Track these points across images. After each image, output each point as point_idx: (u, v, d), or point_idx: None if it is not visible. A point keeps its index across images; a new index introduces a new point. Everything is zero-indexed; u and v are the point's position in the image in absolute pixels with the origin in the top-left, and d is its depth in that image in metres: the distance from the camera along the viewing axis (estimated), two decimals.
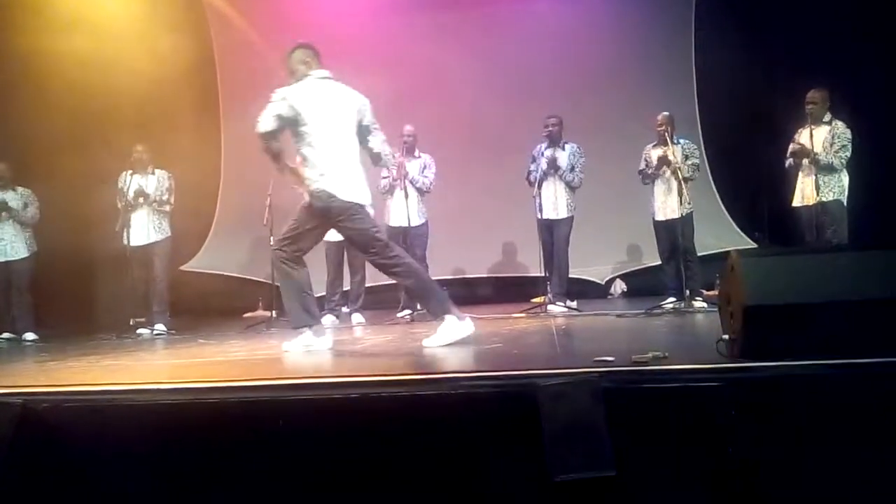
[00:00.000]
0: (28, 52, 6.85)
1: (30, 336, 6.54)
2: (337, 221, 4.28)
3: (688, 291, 6.27)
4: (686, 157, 6.40)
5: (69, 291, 7.74)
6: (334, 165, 4.19)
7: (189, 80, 8.03)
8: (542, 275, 6.76)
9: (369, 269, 7.02)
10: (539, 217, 6.66)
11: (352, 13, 8.33)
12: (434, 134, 7.27)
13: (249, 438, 2.83)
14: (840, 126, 5.82)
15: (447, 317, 4.14)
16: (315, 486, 2.79)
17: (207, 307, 8.29)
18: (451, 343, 4.06)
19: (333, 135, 4.23)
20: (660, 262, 6.87)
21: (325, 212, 4.20)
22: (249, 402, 2.94)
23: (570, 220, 6.73)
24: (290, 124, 4.15)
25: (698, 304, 6.12)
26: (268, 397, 2.95)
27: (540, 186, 6.62)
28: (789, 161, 6.03)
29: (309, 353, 4.30)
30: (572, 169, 6.66)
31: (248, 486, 2.80)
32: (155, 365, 4.43)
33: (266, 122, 4.08)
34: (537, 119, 6.85)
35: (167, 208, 6.64)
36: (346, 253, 6.75)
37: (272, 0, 8.56)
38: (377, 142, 4.46)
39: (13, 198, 6.71)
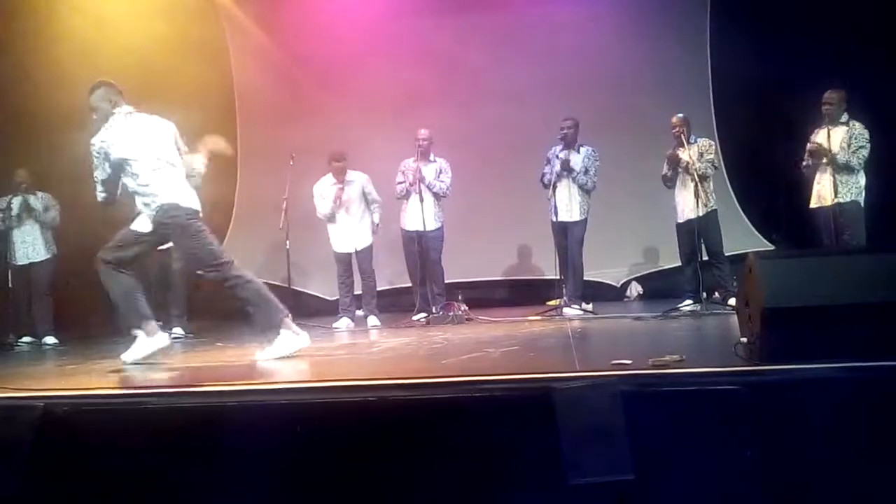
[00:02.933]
0: (50, 66, 6.92)
1: (50, 339, 6.61)
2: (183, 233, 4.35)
3: (716, 293, 6.23)
4: (701, 155, 6.36)
5: (88, 295, 7.78)
6: (168, 183, 4.30)
7: (206, 89, 8.09)
8: (558, 277, 6.74)
9: (381, 273, 7.06)
10: (553, 219, 6.65)
11: (368, 19, 8.35)
12: (449, 137, 7.27)
13: (268, 440, 2.85)
14: (858, 126, 5.77)
15: (281, 331, 4.23)
16: (333, 487, 2.80)
17: (225, 310, 8.32)
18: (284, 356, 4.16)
19: (157, 161, 4.32)
20: (675, 265, 6.84)
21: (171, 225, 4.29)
22: (268, 404, 2.96)
23: (583, 222, 6.71)
24: (117, 167, 4.26)
25: (733, 301, 6.00)
26: (286, 400, 2.96)
27: (555, 189, 6.60)
28: (806, 162, 5.99)
29: (324, 356, 4.32)
30: (586, 171, 6.64)
31: (267, 488, 2.81)
32: (174, 368, 4.46)
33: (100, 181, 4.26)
34: (553, 122, 6.83)
35: None
36: (355, 255, 6.77)
37: (288, 9, 8.58)
38: (197, 161, 4.69)
39: (34, 202, 6.80)
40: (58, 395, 3.20)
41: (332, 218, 6.67)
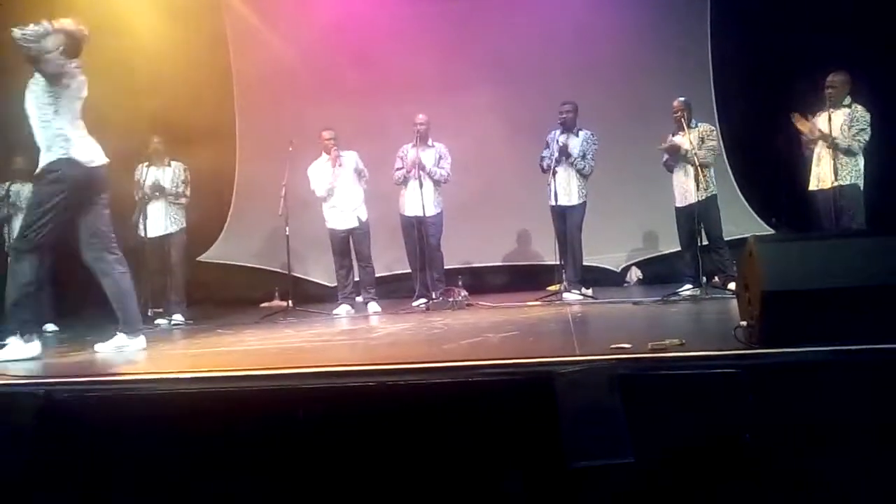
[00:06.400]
0: None
1: (50, 327, 6.61)
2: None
3: (716, 278, 6.23)
4: (702, 141, 6.34)
5: (88, 282, 7.78)
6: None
7: (204, 72, 8.06)
8: (557, 263, 6.75)
9: (380, 259, 7.06)
10: (552, 204, 6.64)
11: (366, 4, 8.31)
12: (448, 122, 7.25)
13: (268, 426, 2.86)
14: (859, 109, 5.75)
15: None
16: (333, 472, 2.81)
17: (224, 297, 8.35)
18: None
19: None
20: (675, 250, 6.84)
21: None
22: (267, 390, 2.96)
23: (582, 206, 6.70)
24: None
25: (733, 286, 6.00)
26: (286, 386, 2.97)
27: (554, 173, 6.59)
28: (806, 141, 5.98)
29: (324, 342, 4.32)
30: (584, 156, 6.63)
31: (268, 474, 2.82)
32: (174, 354, 4.47)
33: None
34: (552, 106, 6.82)
35: (183, 201, 6.71)
36: (351, 241, 6.77)
37: None
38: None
39: (30, 191, 6.76)
40: (59, 381, 3.21)
41: (331, 192, 6.66)
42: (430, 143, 6.81)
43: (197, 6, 7.99)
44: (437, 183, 6.77)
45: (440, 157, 6.79)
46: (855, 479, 2.59)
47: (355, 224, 6.69)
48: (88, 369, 3.67)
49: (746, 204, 8.04)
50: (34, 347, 4.15)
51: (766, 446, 2.60)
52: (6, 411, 2.92)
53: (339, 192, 6.67)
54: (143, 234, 6.59)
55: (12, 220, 6.74)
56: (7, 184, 6.78)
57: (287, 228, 6.62)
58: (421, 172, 6.62)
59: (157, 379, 3.17)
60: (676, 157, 6.43)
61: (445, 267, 7.02)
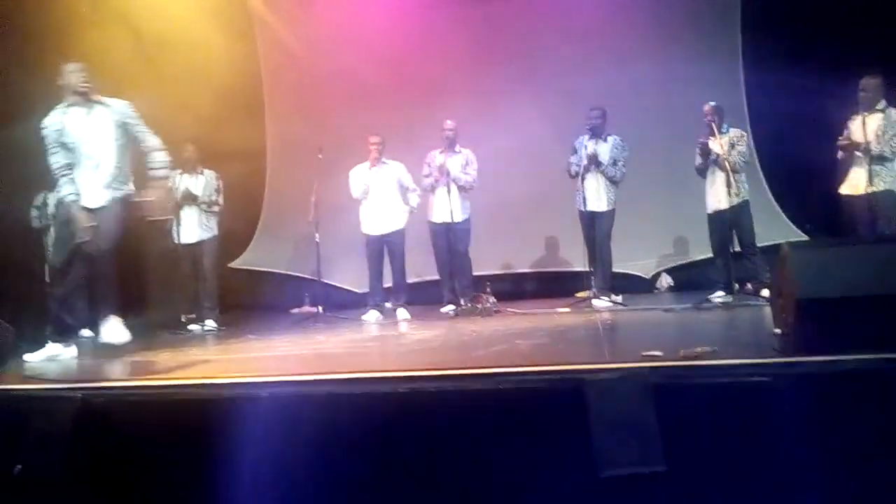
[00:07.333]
0: (85, 58, 7.02)
1: (86, 333, 6.72)
2: None
3: (748, 285, 6.15)
4: (732, 146, 6.27)
5: (122, 288, 7.90)
6: None
7: (234, 80, 8.15)
8: (587, 269, 6.70)
9: (409, 266, 7.07)
10: (582, 209, 6.61)
11: (394, 12, 8.36)
12: (475, 128, 7.25)
13: (300, 431, 2.88)
14: (894, 114, 5.64)
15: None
16: (365, 477, 2.82)
17: (256, 303, 8.43)
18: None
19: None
20: (707, 256, 6.77)
21: None
22: (300, 395, 2.99)
23: (611, 212, 6.66)
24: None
25: (766, 293, 5.88)
26: (318, 391, 3.00)
27: (583, 179, 6.56)
28: (841, 153, 5.89)
29: (354, 348, 4.35)
30: (614, 163, 6.59)
31: (299, 477, 2.85)
32: (207, 360, 4.52)
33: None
34: (580, 111, 6.79)
35: (216, 209, 6.77)
36: (385, 248, 6.80)
37: (315, 4, 8.62)
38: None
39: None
40: (95, 386, 3.27)
41: (365, 193, 6.70)
42: (457, 148, 6.82)
43: (229, 18, 8.10)
44: (462, 189, 6.77)
45: (466, 164, 6.78)
46: (891, 488, 2.54)
47: (389, 231, 6.71)
48: (124, 374, 3.74)
49: (780, 210, 7.92)
50: (71, 351, 4.24)
51: (800, 455, 2.57)
52: (44, 415, 2.99)
53: (374, 195, 6.71)
54: (176, 241, 6.67)
55: (49, 229, 6.84)
56: (44, 193, 6.89)
57: (317, 235, 6.68)
58: (450, 179, 6.63)
59: (191, 384, 3.21)
60: (707, 160, 6.37)
61: (474, 273, 7.01)
